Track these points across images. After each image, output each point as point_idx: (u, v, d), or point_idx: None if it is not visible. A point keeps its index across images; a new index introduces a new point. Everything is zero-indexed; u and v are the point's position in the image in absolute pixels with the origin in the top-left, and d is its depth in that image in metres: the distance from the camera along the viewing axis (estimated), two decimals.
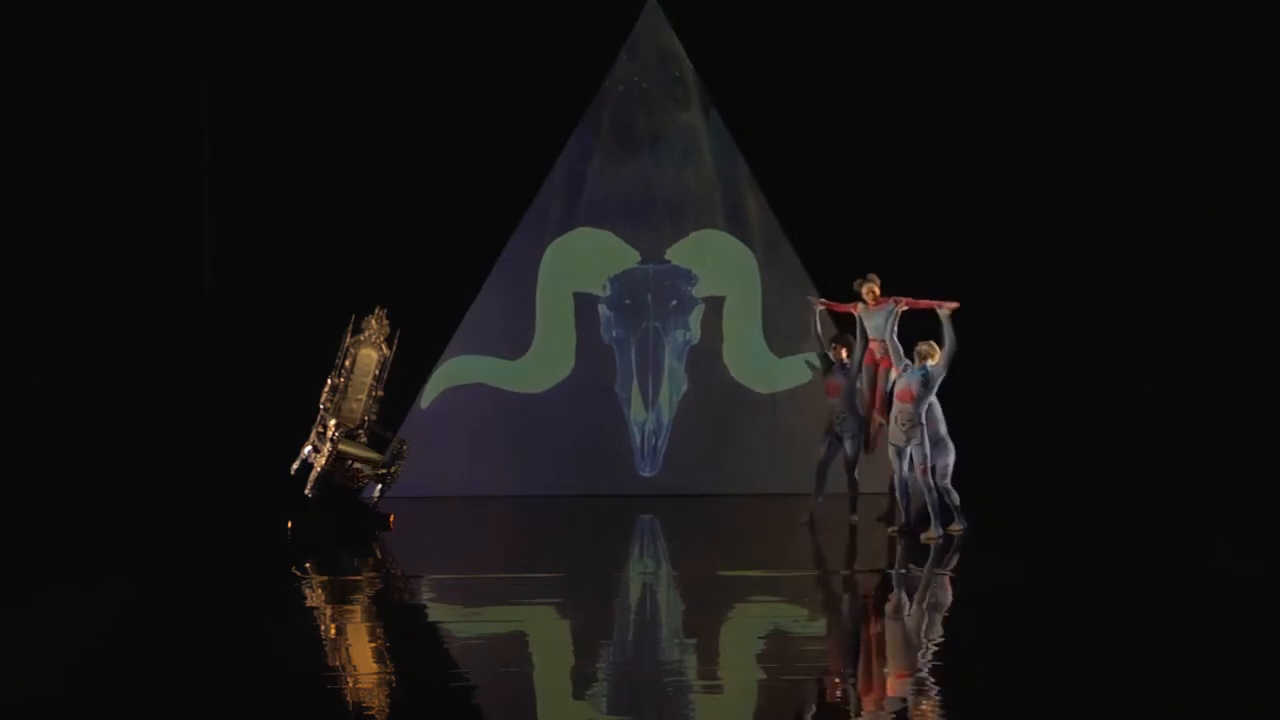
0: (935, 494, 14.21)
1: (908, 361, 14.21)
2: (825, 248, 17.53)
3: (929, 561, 13.71)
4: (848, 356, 15.19)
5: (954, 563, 13.63)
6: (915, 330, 14.67)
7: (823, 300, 15.86)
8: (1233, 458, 16.66)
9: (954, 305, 14.21)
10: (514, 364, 17.77)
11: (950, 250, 17.29)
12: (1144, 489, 16.89)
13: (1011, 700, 9.14)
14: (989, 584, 12.57)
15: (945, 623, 11.40)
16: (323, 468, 15.11)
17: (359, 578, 13.64)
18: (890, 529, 14.73)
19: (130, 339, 16.49)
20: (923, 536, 14.20)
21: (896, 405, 14.23)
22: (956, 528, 14.36)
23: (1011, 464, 16.89)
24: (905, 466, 14.27)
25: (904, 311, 14.66)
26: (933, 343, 14.15)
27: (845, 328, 15.66)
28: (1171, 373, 17.22)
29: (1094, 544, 14.56)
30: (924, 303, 14.61)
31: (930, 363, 14.00)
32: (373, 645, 11.04)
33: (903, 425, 14.17)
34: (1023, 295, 17.36)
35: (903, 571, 13.54)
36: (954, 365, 14.22)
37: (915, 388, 14.08)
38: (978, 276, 17.23)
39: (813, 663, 10.22)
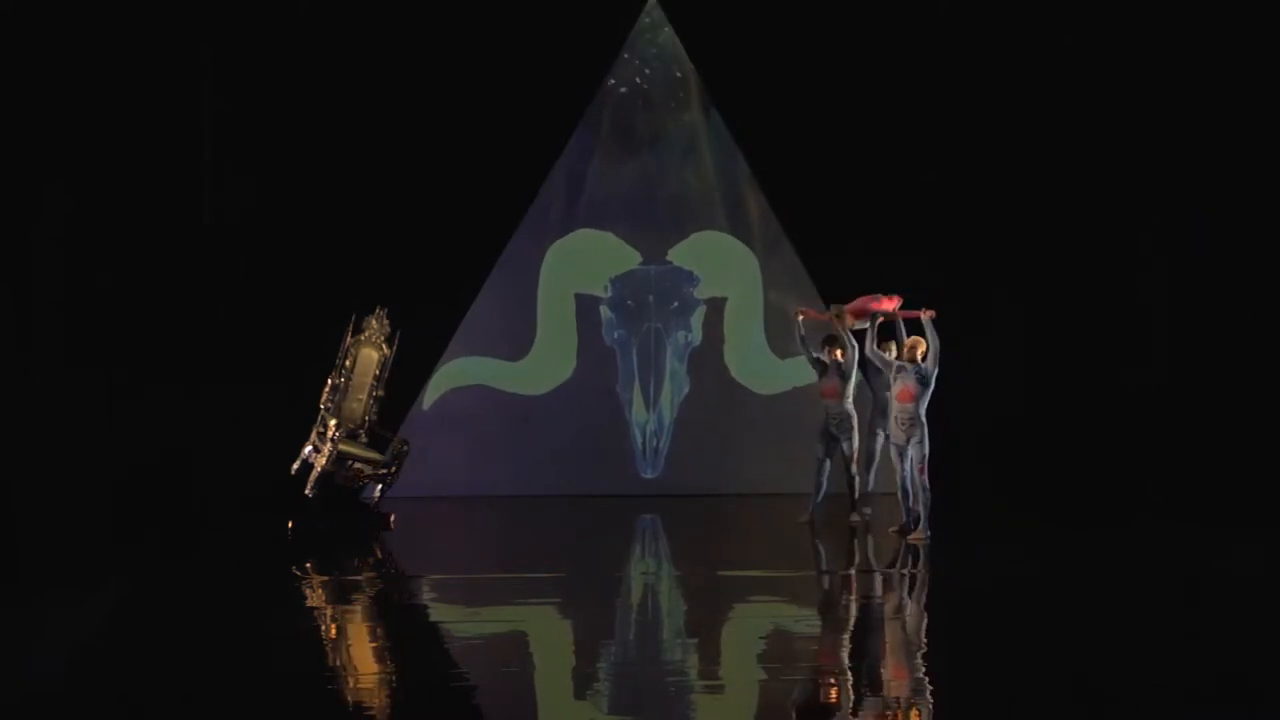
0: (929, 494, 14.19)
1: (899, 362, 14.22)
2: (825, 248, 17.53)
3: (926, 561, 13.71)
4: (842, 357, 15.09)
5: (954, 561, 13.63)
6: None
7: (803, 310, 15.68)
8: (1232, 456, 16.70)
9: (932, 313, 14.17)
10: (515, 365, 17.77)
11: (949, 250, 17.31)
12: (1143, 487, 16.91)
13: (1011, 699, 9.14)
14: (988, 582, 12.55)
15: (944, 621, 11.38)
16: (323, 468, 15.09)
17: (359, 578, 13.64)
18: (892, 528, 14.72)
19: (130, 339, 16.51)
20: (909, 537, 14.21)
21: (896, 406, 14.21)
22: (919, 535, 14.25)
23: (1010, 462, 16.93)
24: (907, 466, 14.27)
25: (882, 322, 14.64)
26: (918, 337, 14.18)
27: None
28: (1171, 371, 17.25)
29: (1090, 541, 14.56)
30: (901, 313, 14.61)
31: (923, 362, 14.05)
32: (373, 645, 11.03)
33: (903, 425, 14.15)
34: (1021, 293, 17.38)
35: (903, 571, 13.54)
36: (947, 363, 14.20)
37: (914, 387, 14.08)
38: (976, 275, 17.26)
39: (813, 663, 10.21)
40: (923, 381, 14.04)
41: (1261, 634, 10.64)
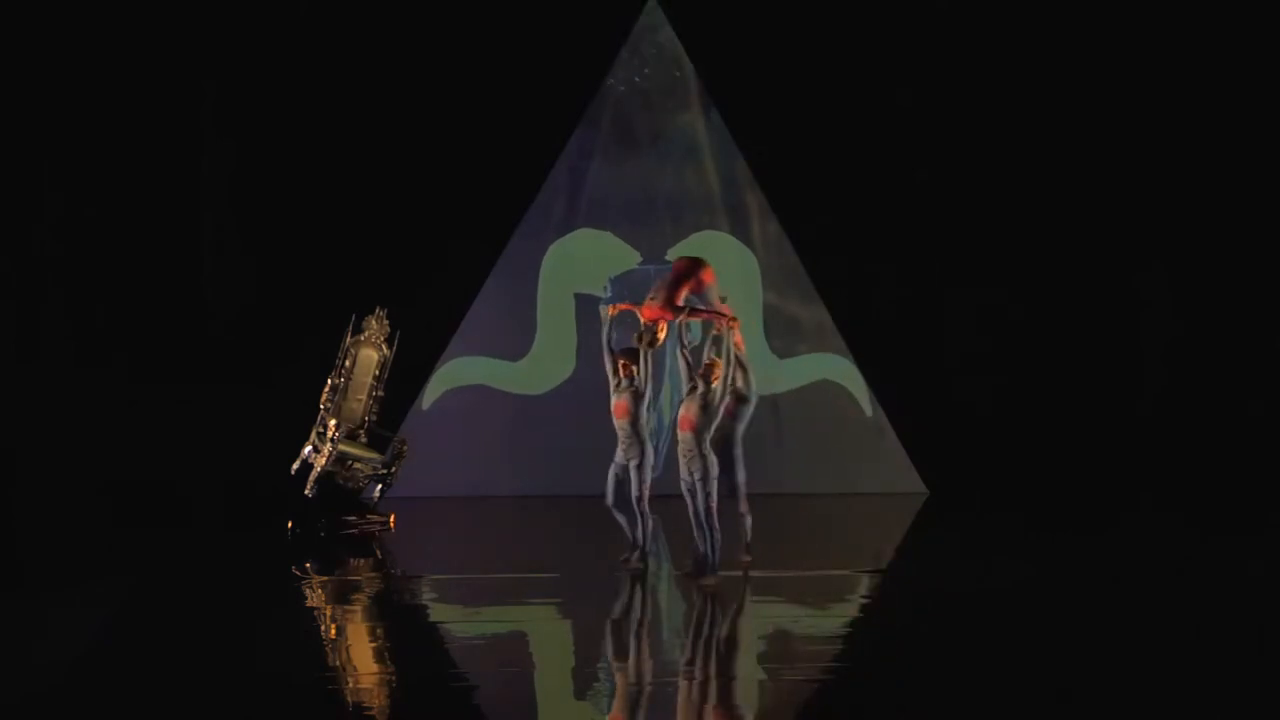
0: (719, 535, 12.44)
1: (694, 382, 12.40)
2: (825, 248, 17.55)
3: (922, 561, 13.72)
4: (638, 373, 12.95)
5: (962, 562, 13.63)
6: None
7: (619, 305, 13.53)
8: (1230, 455, 16.73)
9: (734, 322, 12.49)
10: (515, 365, 17.77)
11: (948, 250, 17.36)
12: (1141, 486, 16.96)
13: (1007, 701, 9.15)
14: (990, 582, 12.55)
15: (947, 621, 11.38)
16: (323, 468, 15.09)
17: (359, 578, 13.64)
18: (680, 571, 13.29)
19: (131, 339, 16.53)
20: (701, 581, 12.44)
21: (679, 435, 12.43)
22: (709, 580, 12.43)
23: (1007, 459, 16.96)
24: (699, 503, 12.45)
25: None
26: (716, 359, 12.42)
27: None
28: (1167, 372, 17.30)
29: (1088, 539, 14.59)
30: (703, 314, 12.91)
31: (714, 384, 12.22)
32: (373, 645, 11.04)
33: (684, 457, 12.37)
34: (1016, 292, 17.43)
35: (898, 573, 13.55)
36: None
37: (695, 414, 12.28)
38: (976, 275, 17.28)
39: (813, 663, 10.22)
40: (704, 409, 12.19)
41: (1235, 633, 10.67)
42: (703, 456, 12.26)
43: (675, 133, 17.96)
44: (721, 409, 12.33)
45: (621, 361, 12.99)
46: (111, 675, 9.62)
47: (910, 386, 17.48)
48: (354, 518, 15.16)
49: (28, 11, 16.17)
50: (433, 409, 17.63)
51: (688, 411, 12.30)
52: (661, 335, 12.92)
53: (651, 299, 12.96)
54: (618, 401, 13.06)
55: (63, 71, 16.37)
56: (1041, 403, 17.34)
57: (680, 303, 12.88)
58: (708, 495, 12.32)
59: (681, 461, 12.39)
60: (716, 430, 12.42)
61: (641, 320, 13.00)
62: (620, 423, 13.07)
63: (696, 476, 12.31)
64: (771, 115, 17.42)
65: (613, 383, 13.10)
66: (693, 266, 13.11)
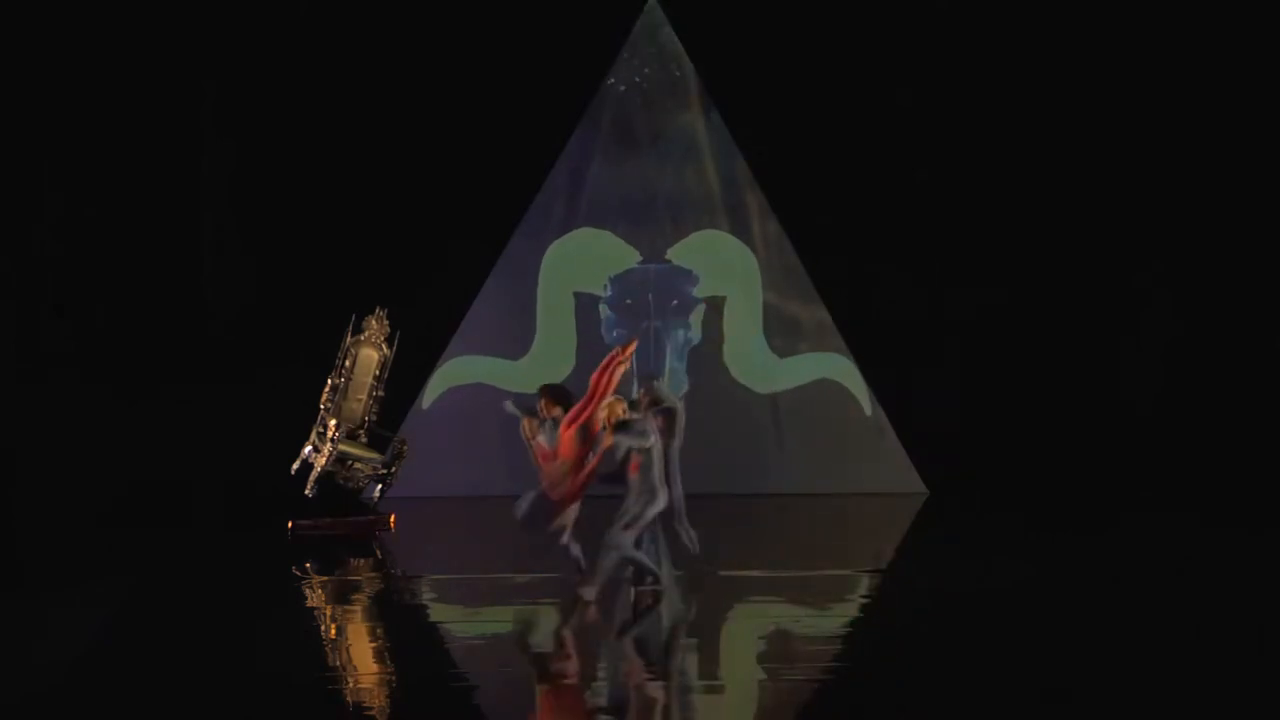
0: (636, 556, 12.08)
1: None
2: (825, 247, 17.55)
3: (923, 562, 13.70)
4: (562, 412, 12.06)
5: (962, 561, 13.63)
6: None
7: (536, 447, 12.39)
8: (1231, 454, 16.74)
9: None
10: (515, 364, 17.77)
11: (948, 249, 17.37)
12: (1141, 484, 16.98)
13: (1007, 701, 9.14)
14: (990, 582, 12.55)
15: (947, 621, 11.38)
16: (323, 468, 15.10)
17: (359, 578, 13.64)
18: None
19: (131, 340, 16.55)
20: (582, 589, 11.94)
21: (630, 480, 11.93)
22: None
23: (1007, 459, 16.95)
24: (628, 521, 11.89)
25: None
26: (614, 401, 11.87)
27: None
28: (1167, 368, 17.31)
29: (1088, 539, 14.58)
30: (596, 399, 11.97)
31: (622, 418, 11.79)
32: (373, 645, 11.04)
33: (633, 494, 11.91)
34: (1017, 292, 17.44)
35: (898, 573, 13.53)
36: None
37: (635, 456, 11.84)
38: (977, 274, 17.29)
39: (813, 663, 10.21)
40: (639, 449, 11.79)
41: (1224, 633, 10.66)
42: (651, 490, 11.78)
43: (675, 133, 17.97)
44: (652, 436, 11.83)
45: (543, 401, 12.20)
46: (111, 675, 9.62)
47: (910, 386, 17.49)
48: (329, 520, 15.15)
49: (28, 11, 16.17)
50: (433, 409, 17.63)
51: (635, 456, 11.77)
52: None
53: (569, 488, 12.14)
54: (539, 446, 12.17)
55: (63, 71, 16.38)
56: (1042, 402, 17.34)
57: (588, 472, 12.11)
58: (638, 520, 11.81)
59: (630, 497, 11.83)
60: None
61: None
62: (545, 468, 12.13)
63: (635, 509, 11.78)
64: (771, 115, 17.43)
65: (541, 427, 12.19)
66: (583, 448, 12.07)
